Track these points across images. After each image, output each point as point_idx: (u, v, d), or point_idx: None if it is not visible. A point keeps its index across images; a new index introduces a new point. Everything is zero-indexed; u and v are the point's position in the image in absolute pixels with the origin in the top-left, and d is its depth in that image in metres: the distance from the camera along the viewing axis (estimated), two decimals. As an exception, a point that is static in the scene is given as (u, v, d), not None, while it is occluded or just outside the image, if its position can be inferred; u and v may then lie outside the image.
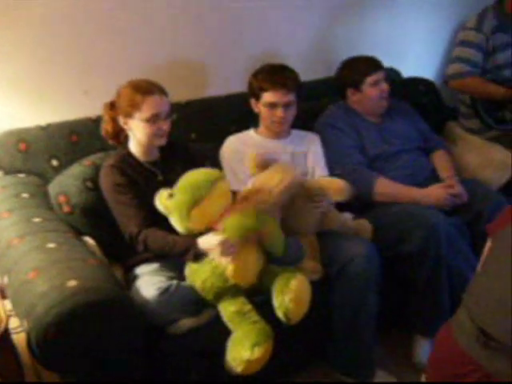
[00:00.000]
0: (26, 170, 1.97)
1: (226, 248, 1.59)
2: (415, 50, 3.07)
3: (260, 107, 2.19)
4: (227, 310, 1.65)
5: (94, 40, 2.13)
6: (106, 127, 1.96)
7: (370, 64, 2.37)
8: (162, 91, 1.87)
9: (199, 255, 1.67)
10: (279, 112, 2.13)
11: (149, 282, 1.67)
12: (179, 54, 2.35)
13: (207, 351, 1.68)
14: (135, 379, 1.53)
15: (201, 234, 1.67)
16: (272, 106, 2.14)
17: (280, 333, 1.65)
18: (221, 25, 2.41)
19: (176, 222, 1.66)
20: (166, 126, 1.87)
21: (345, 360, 1.96)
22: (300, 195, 1.89)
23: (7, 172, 1.95)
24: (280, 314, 1.64)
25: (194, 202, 1.62)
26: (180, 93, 2.22)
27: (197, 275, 1.66)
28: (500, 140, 2.68)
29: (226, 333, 1.64)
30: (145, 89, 1.84)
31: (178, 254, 1.70)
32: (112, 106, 1.93)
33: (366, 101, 2.38)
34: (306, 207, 1.90)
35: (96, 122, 2.07)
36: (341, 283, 1.86)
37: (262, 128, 2.25)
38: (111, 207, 1.83)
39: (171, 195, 1.64)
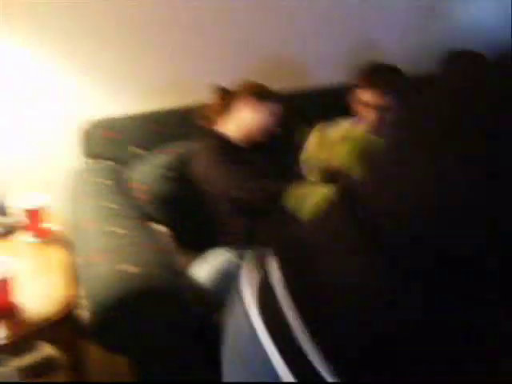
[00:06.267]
0: (112, 158, 2.05)
1: None
2: None
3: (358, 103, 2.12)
4: None
5: (185, 31, 2.18)
6: (212, 106, 2.03)
7: None
8: None
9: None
10: (372, 113, 2.03)
11: (221, 255, 1.73)
12: (269, 48, 2.34)
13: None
14: (188, 369, 1.53)
15: None
16: (365, 105, 2.05)
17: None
18: (309, 18, 2.38)
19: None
20: (272, 125, 2.01)
21: None
22: None
23: (94, 159, 2.04)
24: None
25: None
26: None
27: (309, 198, 1.69)
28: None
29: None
30: None
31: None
32: (225, 90, 2.03)
33: None
34: None
35: (181, 113, 2.11)
36: None
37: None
38: (219, 174, 1.85)
39: None
